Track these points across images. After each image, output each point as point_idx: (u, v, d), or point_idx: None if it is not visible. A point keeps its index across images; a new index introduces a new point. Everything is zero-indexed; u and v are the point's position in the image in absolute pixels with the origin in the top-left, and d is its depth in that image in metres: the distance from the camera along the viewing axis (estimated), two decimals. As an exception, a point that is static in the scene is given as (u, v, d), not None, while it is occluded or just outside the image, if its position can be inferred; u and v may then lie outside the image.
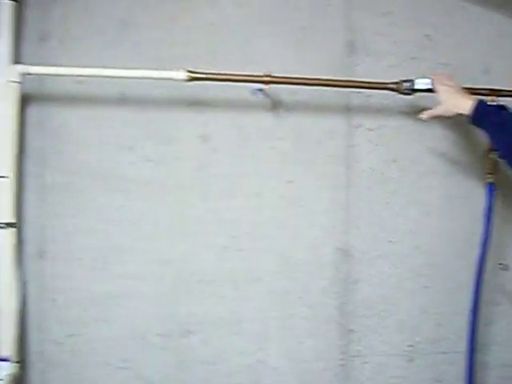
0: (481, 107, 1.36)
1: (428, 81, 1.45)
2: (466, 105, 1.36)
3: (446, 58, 1.61)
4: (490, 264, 1.60)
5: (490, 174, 1.55)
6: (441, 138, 1.61)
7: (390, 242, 1.58)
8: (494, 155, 1.53)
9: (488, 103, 1.41)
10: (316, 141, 1.55)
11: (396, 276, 1.59)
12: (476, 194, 1.61)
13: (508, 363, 1.68)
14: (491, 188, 1.54)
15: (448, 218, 1.62)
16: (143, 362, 1.50)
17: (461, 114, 1.39)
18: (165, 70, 1.37)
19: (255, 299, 1.53)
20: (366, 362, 1.60)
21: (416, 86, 1.47)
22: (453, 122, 1.60)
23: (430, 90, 1.47)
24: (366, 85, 1.49)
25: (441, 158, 1.61)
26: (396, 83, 1.48)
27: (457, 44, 1.63)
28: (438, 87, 1.43)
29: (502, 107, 1.40)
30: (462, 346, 1.59)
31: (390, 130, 1.58)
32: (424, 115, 1.46)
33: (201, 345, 1.52)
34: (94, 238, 1.45)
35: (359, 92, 1.56)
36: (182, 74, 1.38)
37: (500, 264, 1.57)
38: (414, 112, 1.58)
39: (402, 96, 1.51)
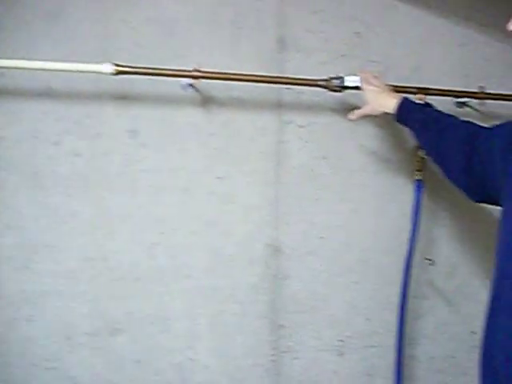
0: (405, 105, 1.47)
1: (357, 78, 1.54)
2: (391, 103, 1.47)
3: (376, 55, 1.71)
4: (418, 259, 1.71)
5: (418, 171, 1.67)
6: (371, 136, 1.71)
7: (320, 238, 1.67)
8: (421, 153, 1.64)
9: (415, 101, 1.51)
10: (247, 137, 1.62)
11: (326, 272, 1.69)
12: (405, 191, 1.73)
13: (435, 356, 1.81)
14: (419, 185, 1.66)
15: (378, 214, 1.72)
16: (70, 361, 1.55)
17: (387, 113, 1.48)
18: (93, 63, 1.41)
19: (184, 296, 1.59)
20: (296, 358, 1.68)
21: (345, 84, 1.56)
22: (383, 120, 1.70)
23: (359, 88, 1.56)
24: (296, 81, 1.57)
25: (371, 156, 1.71)
26: (326, 80, 1.57)
27: (387, 42, 1.73)
28: (365, 87, 1.54)
29: (428, 105, 1.51)
30: (392, 339, 1.70)
31: (320, 127, 1.67)
32: (352, 115, 1.56)
33: (129, 343, 1.57)
34: (16, 236, 1.48)
35: (290, 88, 1.64)
36: (109, 68, 1.43)
37: (427, 259, 1.68)
38: (345, 109, 1.68)
39: (332, 93, 1.60)
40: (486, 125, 1.39)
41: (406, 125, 1.48)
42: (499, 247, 1.09)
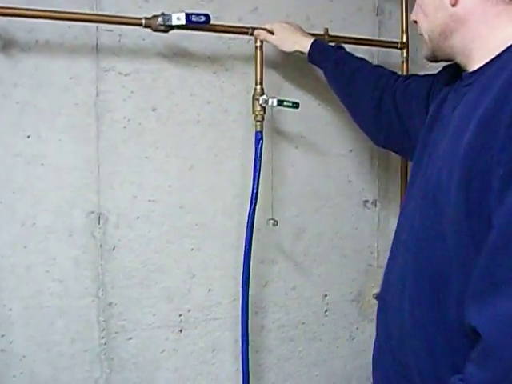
0: (319, 45, 1.63)
1: (182, 15, 1.53)
2: (305, 42, 1.63)
3: (209, -7, 1.72)
4: (263, 221, 1.77)
5: (257, 121, 1.70)
6: (205, 84, 1.73)
7: (150, 201, 1.68)
8: (262, 101, 1.67)
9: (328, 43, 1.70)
10: (59, 87, 1.58)
11: (158, 239, 1.70)
12: (245, 145, 1.78)
13: (285, 324, 1.91)
14: (259, 137, 1.70)
15: (215, 172, 1.76)
16: None
17: (299, 52, 1.65)
18: None
19: (-9, 277, 1.53)
20: (130, 338, 1.70)
21: (172, 22, 1.54)
22: (218, 65, 1.73)
23: (189, 27, 1.56)
24: (112, 19, 1.54)
25: (205, 106, 1.74)
26: (148, 18, 1.55)
27: (221, -22, 1.73)
28: (275, 25, 1.67)
29: (340, 47, 1.66)
30: (237, 310, 1.76)
31: (147, 75, 1.67)
32: (260, 35, 1.67)
33: None
34: None
35: (109, 30, 1.61)
36: None
37: (270, 219, 1.74)
38: (175, 54, 1.69)
39: (160, 35, 1.59)
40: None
41: (318, 65, 1.65)
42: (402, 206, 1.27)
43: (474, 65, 1.07)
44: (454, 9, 1.05)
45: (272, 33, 1.67)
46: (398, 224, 1.22)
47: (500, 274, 0.85)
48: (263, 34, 1.67)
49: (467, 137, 0.97)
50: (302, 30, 1.70)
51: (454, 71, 1.21)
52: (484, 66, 1.04)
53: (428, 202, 1.07)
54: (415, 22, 1.18)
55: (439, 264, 1.03)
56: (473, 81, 1.06)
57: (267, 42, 1.68)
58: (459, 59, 1.12)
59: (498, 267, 0.86)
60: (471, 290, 0.91)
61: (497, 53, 1.02)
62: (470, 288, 0.92)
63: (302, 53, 1.64)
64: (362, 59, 1.61)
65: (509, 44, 1.01)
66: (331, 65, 1.59)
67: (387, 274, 1.22)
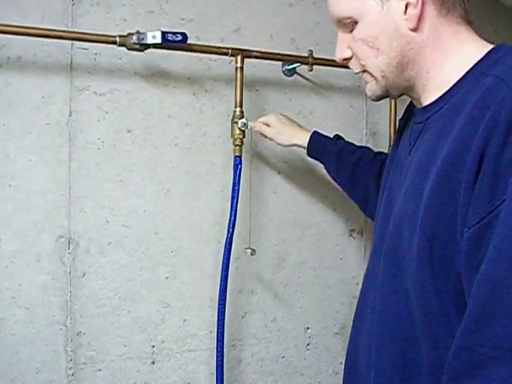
0: (317, 139, 1.62)
1: (158, 33, 1.52)
2: (303, 136, 1.63)
3: (189, 13, 1.74)
4: (241, 249, 1.75)
5: (237, 146, 1.69)
6: (183, 106, 1.73)
7: (124, 226, 1.67)
8: (241, 125, 1.66)
9: (325, 134, 1.63)
10: (30, 106, 1.58)
11: (131, 266, 1.69)
12: (225, 170, 1.77)
13: (264, 357, 1.88)
14: (238, 162, 1.69)
15: (192, 197, 1.75)
16: None
17: (296, 145, 1.66)
18: None
19: (-47, 303, 1.51)
20: (99, 369, 1.67)
21: (147, 41, 1.53)
22: (199, 87, 1.72)
23: (165, 46, 1.55)
24: (86, 37, 1.54)
25: (184, 129, 1.73)
26: (123, 36, 1.54)
27: (202, -3, 1.74)
28: (271, 117, 1.68)
29: (339, 137, 1.63)
30: (213, 342, 1.73)
31: (123, 95, 1.66)
32: (255, 126, 1.68)
33: None
34: None
35: (85, 48, 1.61)
36: None
37: (247, 248, 1.71)
38: (152, 74, 1.68)
39: (137, 54, 1.60)
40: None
41: (318, 159, 1.65)
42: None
43: (427, 97, 1.00)
44: (412, 35, 0.95)
45: (267, 125, 1.67)
46: (363, 280, 1.18)
47: (481, 353, 0.77)
48: (259, 126, 1.68)
49: (427, 190, 0.90)
50: (296, 122, 1.70)
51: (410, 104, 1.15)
52: (438, 99, 0.97)
53: (389, 261, 1.01)
54: (345, 59, 1.09)
55: (405, 331, 0.95)
56: (426, 118, 0.99)
57: (263, 135, 1.70)
58: (414, 93, 1.04)
59: (479, 346, 0.77)
60: (447, 371, 0.82)
61: (451, 83, 0.94)
62: (446, 367, 0.83)
63: (299, 146, 1.65)
64: (363, 147, 1.58)
65: (462, 73, 0.93)
66: (333, 158, 1.57)
67: (355, 337, 1.15)
